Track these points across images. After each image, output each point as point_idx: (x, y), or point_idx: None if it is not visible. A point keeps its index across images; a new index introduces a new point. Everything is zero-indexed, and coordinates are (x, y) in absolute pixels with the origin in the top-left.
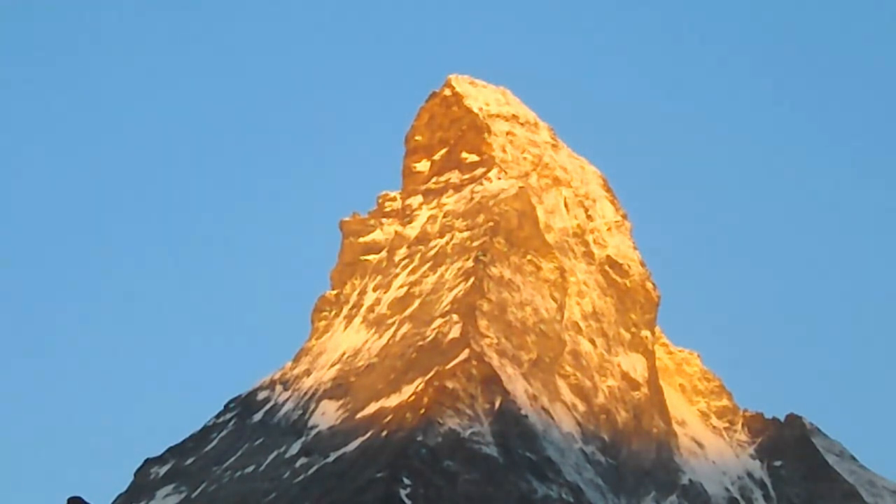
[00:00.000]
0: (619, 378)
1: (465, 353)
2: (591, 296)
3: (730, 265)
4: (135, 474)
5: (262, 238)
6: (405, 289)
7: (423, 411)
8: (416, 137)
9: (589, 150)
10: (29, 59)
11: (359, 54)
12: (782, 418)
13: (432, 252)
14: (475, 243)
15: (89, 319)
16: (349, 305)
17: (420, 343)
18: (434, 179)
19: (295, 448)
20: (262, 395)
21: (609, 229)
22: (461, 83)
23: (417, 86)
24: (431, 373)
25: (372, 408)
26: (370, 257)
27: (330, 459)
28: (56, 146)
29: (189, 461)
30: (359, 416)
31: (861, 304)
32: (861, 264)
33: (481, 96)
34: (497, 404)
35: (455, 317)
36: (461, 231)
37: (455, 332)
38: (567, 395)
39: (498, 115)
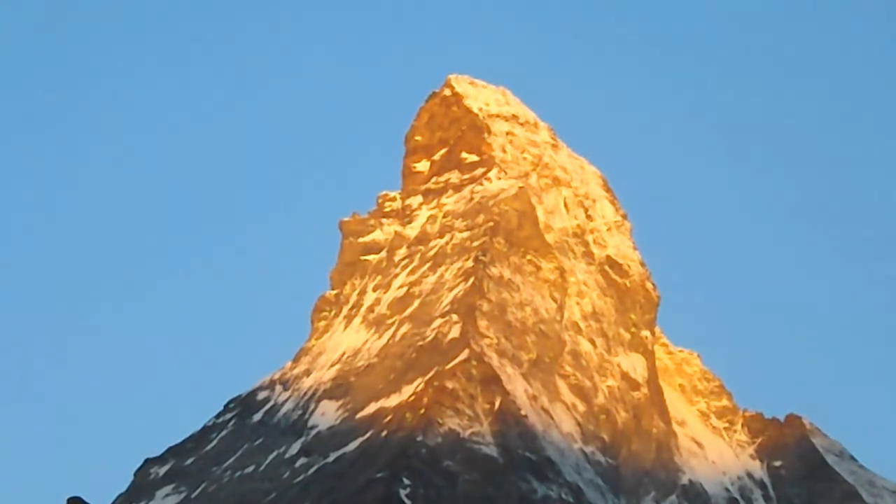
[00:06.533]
0: (618, 378)
1: (464, 353)
2: (590, 296)
3: (730, 265)
4: (135, 474)
5: (262, 238)
6: (405, 289)
7: (423, 411)
8: (416, 137)
9: (589, 150)
10: (30, 62)
11: (359, 54)
12: (782, 418)
13: (432, 252)
14: (475, 243)
15: (89, 319)
16: (349, 305)
17: (420, 343)
18: (434, 179)
19: (295, 448)
20: (261, 395)
21: (609, 229)
22: (461, 83)
23: (417, 86)
24: (431, 373)
25: (372, 408)
26: (370, 257)
27: (330, 459)
28: (59, 146)
29: (189, 461)
30: (359, 416)
31: (861, 303)
32: (861, 264)
33: (481, 96)
34: (497, 404)
35: (455, 317)
36: (461, 231)
37: (455, 332)
38: (567, 395)
39: (498, 115)
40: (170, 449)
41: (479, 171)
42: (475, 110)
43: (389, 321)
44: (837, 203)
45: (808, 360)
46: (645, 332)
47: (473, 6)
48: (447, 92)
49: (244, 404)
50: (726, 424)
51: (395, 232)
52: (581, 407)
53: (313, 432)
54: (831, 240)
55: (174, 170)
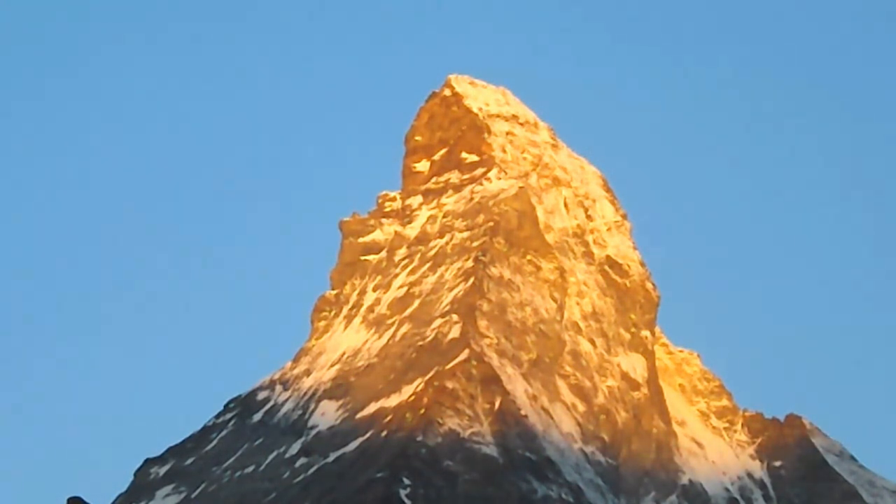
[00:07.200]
0: (618, 378)
1: (464, 353)
2: (590, 296)
3: (730, 265)
4: (135, 474)
5: (262, 238)
6: (405, 289)
7: (423, 411)
8: (416, 137)
9: (589, 150)
10: (30, 62)
11: (359, 54)
12: (782, 418)
13: (432, 252)
14: (475, 243)
15: (89, 320)
16: (349, 305)
17: (420, 343)
18: (434, 179)
19: (295, 448)
20: (261, 395)
21: (609, 229)
22: (461, 83)
23: (417, 86)
24: (431, 373)
25: (372, 408)
26: (370, 257)
27: (330, 459)
28: (58, 146)
29: (189, 461)
30: (359, 416)
31: (861, 303)
32: (860, 263)
33: (481, 96)
34: (497, 404)
35: (455, 317)
36: (461, 231)
37: (455, 332)
38: (567, 395)
39: (498, 115)
40: (170, 449)
41: (479, 171)
42: (475, 110)
43: (389, 321)
44: (838, 202)
45: (808, 359)
46: (645, 332)
47: (473, 6)
48: (447, 92)
49: (244, 404)
50: (726, 424)
51: (395, 232)
52: (581, 407)
53: (313, 432)
54: (831, 239)
55: (174, 169)
